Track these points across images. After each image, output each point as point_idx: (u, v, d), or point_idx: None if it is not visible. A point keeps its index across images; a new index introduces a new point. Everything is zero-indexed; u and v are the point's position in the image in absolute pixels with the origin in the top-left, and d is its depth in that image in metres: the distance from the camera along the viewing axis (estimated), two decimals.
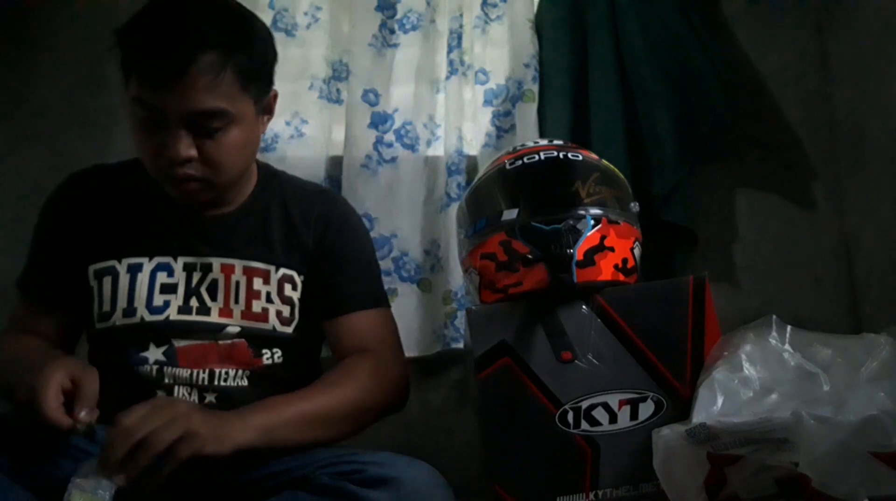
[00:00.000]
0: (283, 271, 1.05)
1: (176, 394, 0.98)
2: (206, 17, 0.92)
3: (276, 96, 1.06)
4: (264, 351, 1.03)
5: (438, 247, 1.58)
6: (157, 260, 1.02)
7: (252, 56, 0.96)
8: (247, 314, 1.02)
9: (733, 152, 1.69)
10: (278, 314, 1.04)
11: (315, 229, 1.08)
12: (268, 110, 1.05)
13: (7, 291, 1.09)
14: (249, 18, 0.99)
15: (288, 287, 1.05)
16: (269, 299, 1.03)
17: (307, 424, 0.91)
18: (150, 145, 0.94)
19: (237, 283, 1.03)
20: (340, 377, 0.99)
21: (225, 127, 0.94)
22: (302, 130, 1.61)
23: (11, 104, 1.60)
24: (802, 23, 1.75)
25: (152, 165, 0.97)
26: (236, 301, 1.02)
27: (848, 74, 1.68)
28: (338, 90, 1.65)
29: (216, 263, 1.03)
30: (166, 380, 0.98)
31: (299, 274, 1.06)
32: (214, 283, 1.02)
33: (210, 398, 0.99)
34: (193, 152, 0.93)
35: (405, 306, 1.56)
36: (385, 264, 1.55)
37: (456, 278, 1.54)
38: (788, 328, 1.05)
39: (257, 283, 1.03)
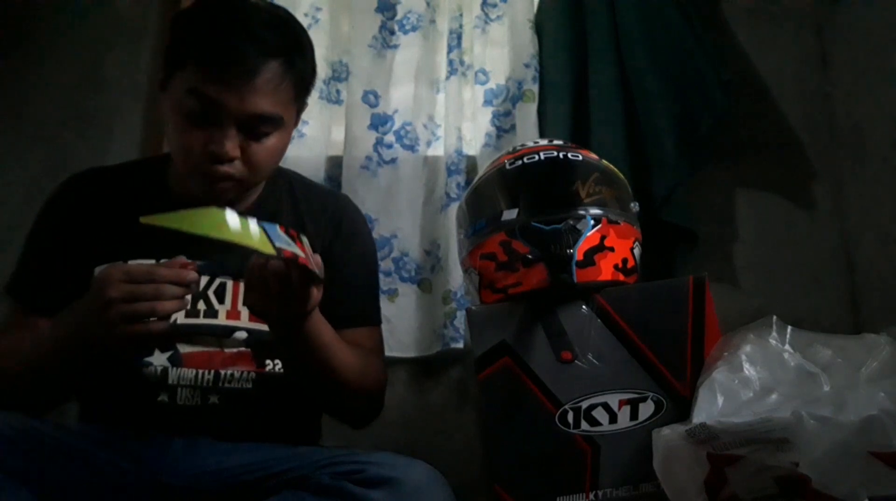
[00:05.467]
0: None
1: (179, 395, 0.97)
2: (271, 23, 0.96)
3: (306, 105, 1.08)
4: (267, 362, 1.02)
5: (438, 247, 1.58)
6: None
7: (307, 67, 1.01)
8: (254, 316, 1.01)
9: (733, 152, 1.68)
10: None
11: (325, 234, 1.08)
12: (297, 119, 1.07)
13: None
14: (303, 29, 1.03)
15: None
16: None
17: (342, 356, 0.97)
18: (195, 139, 0.94)
19: None
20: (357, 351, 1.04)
21: (272, 132, 0.97)
22: (302, 130, 1.61)
23: (11, 104, 1.60)
24: (802, 23, 1.75)
25: (190, 159, 0.96)
26: (244, 304, 1.01)
27: (848, 74, 1.68)
28: (337, 91, 1.65)
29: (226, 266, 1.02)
30: (170, 381, 0.98)
31: None
32: (223, 286, 1.01)
33: (213, 398, 0.98)
34: (238, 152, 0.95)
35: (405, 306, 1.56)
36: (385, 265, 1.55)
37: (456, 278, 1.53)
38: (788, 328, 1.05)
39: None
